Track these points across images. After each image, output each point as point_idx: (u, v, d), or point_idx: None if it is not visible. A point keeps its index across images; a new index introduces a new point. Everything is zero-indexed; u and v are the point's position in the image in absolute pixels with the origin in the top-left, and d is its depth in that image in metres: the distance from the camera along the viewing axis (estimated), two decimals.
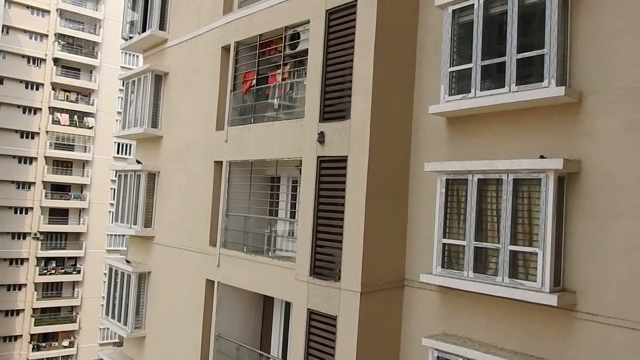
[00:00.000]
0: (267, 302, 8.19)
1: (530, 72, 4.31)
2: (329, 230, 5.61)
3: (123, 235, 30.43)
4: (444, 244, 4.90)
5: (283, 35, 7.39)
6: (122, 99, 14.22)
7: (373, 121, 5.31)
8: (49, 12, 29.95)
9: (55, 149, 29.80)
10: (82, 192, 30.47)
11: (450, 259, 4.86)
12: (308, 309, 5.46)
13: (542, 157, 4.28)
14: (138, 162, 10.37)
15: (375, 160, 5.32)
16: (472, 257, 4.59)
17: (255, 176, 8.04)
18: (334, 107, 5.84)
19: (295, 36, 7.33)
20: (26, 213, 28.79)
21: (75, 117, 30.96)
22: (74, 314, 29.33)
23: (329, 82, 5.89)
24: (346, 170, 5.49)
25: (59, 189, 29.79)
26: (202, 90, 9.22)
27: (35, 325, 28.08)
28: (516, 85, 4.41)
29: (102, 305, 15.37)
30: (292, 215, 7.83)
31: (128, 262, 10.20)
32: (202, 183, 8.79)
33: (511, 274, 4.30)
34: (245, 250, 7.71)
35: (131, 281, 9.73)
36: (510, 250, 4.34)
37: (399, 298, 5.36)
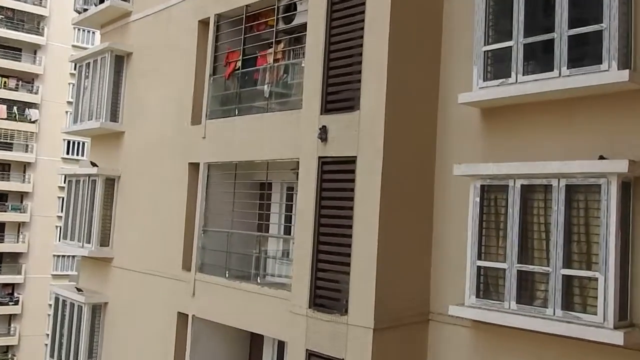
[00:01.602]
0: (255, 341, 8.10)
1: (585, 53, 4.27)
2: (334, 250, 5.63)
3: (73, 257, 29.01)
4: (479, 268, 4.88)
5: (275, 6, 7.44)
6: (73, 85, 14.35)
7: (389, 113, 5.34)
8: None
9: None
10: (22, 202, 29.71)
11: (488, 286, 4.84)
12: (307, 350, 5.42)
13: (601, 157, 4.21)
14: (93, 164, 10.34)
15: (391, 161, 5.36)
16: (515, 284, 4.55)
17: (241, 182, 8.01)
18: (339, 95, 5.90)
19: (291, 7, 7.36)
20: None
21: (15, 108, 30.10)
22: (10, 355, 28.29)
23: (332, 63, 5.95)
24: (355, 174, 5.52)
25: None
26: (174, 75, 9.20)
27: None
28: (568, 68, 4.39)
29: (46, 344, 15.08)
30: (287, 231, 7.83)
31: (79, 290, 10.09)
32: (173, 191, 8.77)
33: (565, 305, 4.24)
34: (227, 275, 7.67)
35: (83, 314, 9.61)
36: (563, 275, 4.28)
37: (422, 336, 5.32)
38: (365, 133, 5.49)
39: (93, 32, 33.05)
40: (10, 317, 29.96)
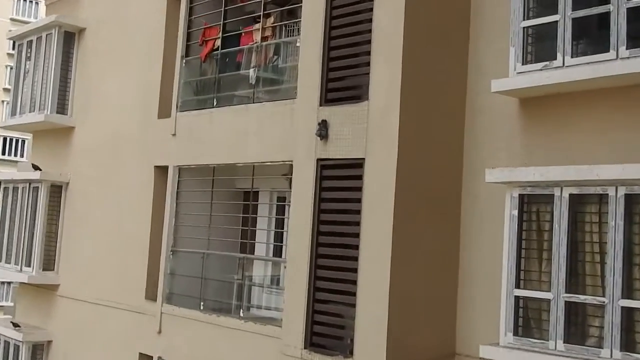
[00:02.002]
0: None
1: None
2: (336, 276, 5.71)
3: (9, 283, 29.46)
4: (517, 298, 4.85)
5: None
6: (12, 69, 14.40)
7: (405, 104, 5.44)
8: None
9: None
10: None
11: (528, 321, 4.82)
12: None
13: None
14: (35, 167, 10.27)
15: (408, 165, 5.44)
16: (562, 319, 4.51)
17: (220, 190, 8.06)
18: (343, 82, 6.01)
19: None
20: None
21: None
22: None
23: (334, 42, 6.05)
24: (362, 181, 5.63)
25: None
26: (137, 57, 9.22)
27: None
28: (627, 48, 4.40)
29: None
30: (277, 252, 7.86)
31: (16, 325, 10.03)
32: (135, 201, 8.79)
33: (625, 344, 4.20)
34: (202, 307, 7.68)
35: (21, 356, 9.52)
36: (622, 307, 4.23)
37: None
38: (376, 129, 5.59)
39: (37, 3, 33.21)
40: None
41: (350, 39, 5.92)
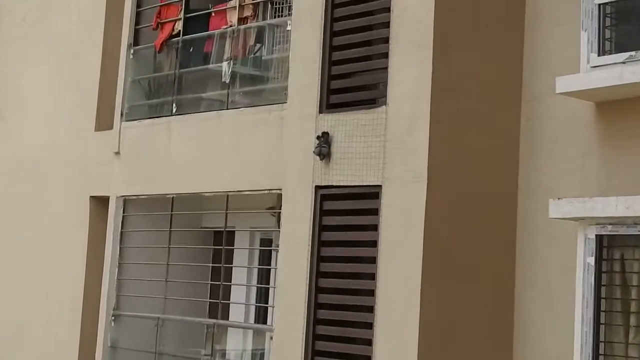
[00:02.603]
0: None
1: None
2: (342, 349, 5.77)
3: None
4: None
5: None
6: None
7: (437, 110, 5.55)
8: None
9: None
10: None
11: None
12: None
13: None
14: None
15: (441, 193, 5.54)
16: None
17: (182, 231, 8.19)
18: (352, 80, 6.18)
19: None
20: None
21: None
22: None
23: (339, 25, 6.20)
24: (379, 216, 5.73)
25: None
26: (67, 46, 9.34)
27: None
28: None
29: None
30: (261, 316, 7.94)
31: None
32: (63, 244, 8.87)
33: None
34: None
35: None
36: None
37: None
38: (398, 145, 5.69)
39: None
40: None
41: (361, 21, 6.02)
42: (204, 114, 7.83)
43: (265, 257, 8.10)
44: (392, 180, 5.70)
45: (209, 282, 8.03)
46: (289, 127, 6.49)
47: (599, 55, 5.25)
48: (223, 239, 7.69)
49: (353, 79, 6.15)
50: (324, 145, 6.07)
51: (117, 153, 8.44)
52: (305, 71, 6.36)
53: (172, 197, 7.99)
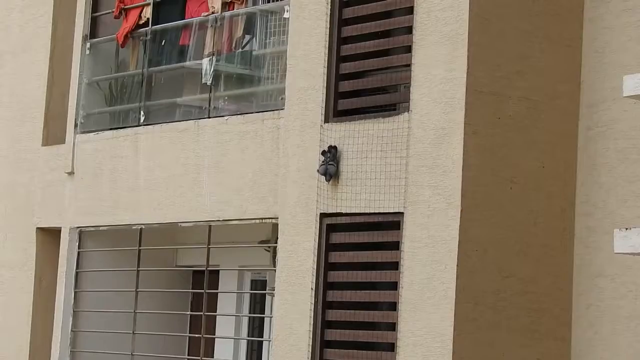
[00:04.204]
0: None
1: None
2: None
3: None
4: None
5: None
6: None
7: (474, 117, 5.56)
8: None
9: None
10: None
11: None
12: None
13: None
14: None
15: (479, 224, 5.56)
16: None
17: (152, 270, 8.24)
18: (366, 81, 6.20)
19: None
20: None
21: None
22: None
23: (351, 11, 6.20)
24: (400, 251, 5.75)
25: None
26: (6, 40, 9.35)
27: None
28: None
29: None
30: None
31: None
32: (3, 287, 8.86)
33: None
34: None
35: None
36: None
37: None
38: (424, 162, 5.72)
39: None
40: None
41: (377, 6, 6.04)
42: (180, 124, 7.77)
43: (258, 303, 8.01)
44: (417, 206, 5.70)
45: (187, 334, 7.95)
46: (287, 139, 6.44)
47: None
48: (205, 281, 7.62)
49: (367, 79, 6.15)
50: (331, 163, 6.04)
51: (71, 173, 8.35)
52: (307, 70, 6.34)
53: (140, 229, 7.92)
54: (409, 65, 5.83)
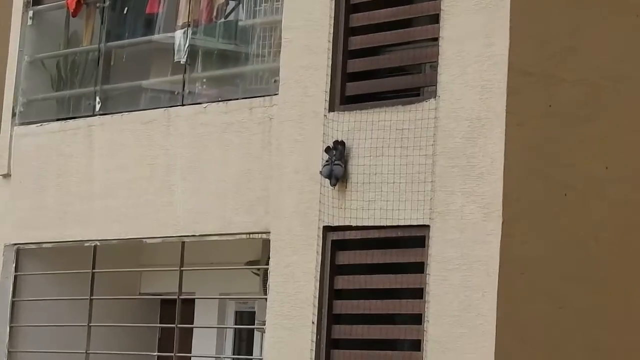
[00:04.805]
0: None
1: None
2: None
3: None
4: None
5: None
6: None
7: (517, 107, 5.61)
8: None
9: None
10: None
11: None
12: None
13: None
14: None
15: (526, 239, 5.60)
16: None
17: (110, 299, 8.30)
18: (380, 60, 6.29)
19: None
20: None
21: None
22: None
23: None
24: (424, 275, 5.81)
25: None
26: None
27: None
28: None
29: None
30: None
31: None
32: None
33: None
34: None
35: None
36: None
37: None
38: (455, 161, 5.81)
39: None
40: None
41: None
42: (146, 114, 7.81)
43: (244, 341, 8.05)
44: (446, 217, 5.79)
45: None
46: (282, 133, 6.50)
47: None
48: (177, 312, 7.64)
49: (383, 57, 6.20)
50: (337, 163, 6.09)
51: (6, 176, 8.43)
52: (307, 45, 6.42)
53: (94, 246, 7.97)
54: (436, 39, 5.92)
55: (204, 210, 7.24)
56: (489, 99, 5.62)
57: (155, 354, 8.13)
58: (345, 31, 6.29)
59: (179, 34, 7.75)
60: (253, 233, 6.86)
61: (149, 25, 8.19)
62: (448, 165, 5.76)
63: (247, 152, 7.00)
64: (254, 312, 7.73)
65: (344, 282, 6.22)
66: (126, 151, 7.79)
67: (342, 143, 6.13)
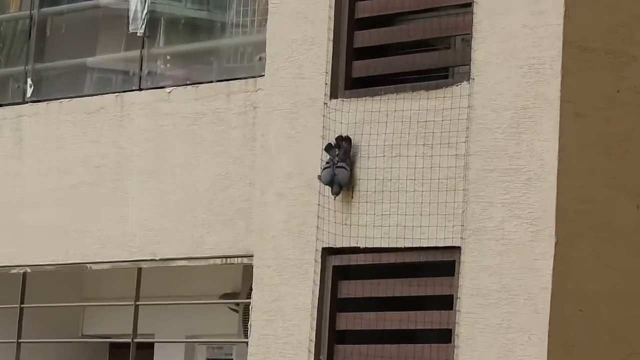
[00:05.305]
0: None
1: None
2: None
3: None
4: None
5: None
6: None
7: (575, 93, 5.64)
8: None
9: None
10: None
11: None
12: None
13: None
14: None
15: (584, 264, 5.63)
16: None
17: (44, 342, 8.34)
18: (395, 32, 6.31)
19: None
20: None
21: None
22: None
23: None
24: (454, 313, 5.85)
25: None
26: None
27: None
28: None
29: None
30: None
31: None
32: None
33: None
34: None
35: None
36: None
37: None
38: (494, 162, 5.84)
39: None
40: None
41: None
42: (92, 101, 7.82)
43: None
44: (482, 236, 5.81)
45: None
46: (269, 126, 6.47)
47: None
48: (130, 358, 7.71)
49: (401, 27, 6.21)
50: (342, 165, 6.07)
51: None
52: (302, 11, 6.41)
53: (24, 273, 7.99)
54: (469, 5, 5.87)
55: (167, 227, 7.24)
56: (538, 83, 5.58)
57: None
58: None
59: (133, 3, 7.79)
60: (230, 257, 6.85)
61: None
62: (485, 168, 5.72)
63: (224, 150, 6.99)
64: (232, 359, 7.74)
65: (348, 321, 6.21)
66: (66, 149, 7.80)
67: (348, 139, 6.12)
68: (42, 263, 7.87)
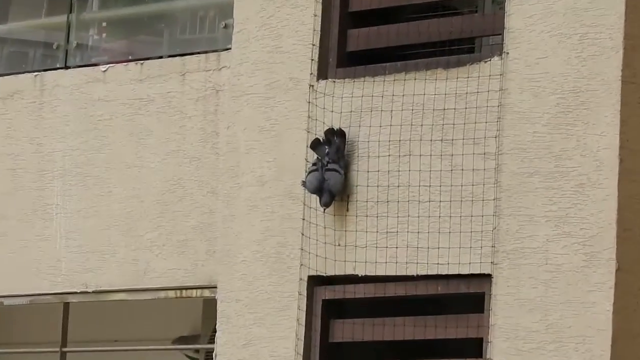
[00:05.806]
0: None
1: None
2: None
3: None
4: None
5: None
6: None
7: (638, 74, 5.73)
8: None
9: None
10: None
11: None
12: None
13: None
14: None
15: None
16: None
17: None
18: None
19: None
20: None
21: None
22: None
23: None
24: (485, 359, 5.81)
25: None
26: None
27: None
28: None
29: None
30: None
31: None
32: None
33: None
34: None
35: None
36: None
37: None
38: (533, 165, 5.86)
39: None
40: None
41: None
42: (2, 82, 7.85)
43: None
44: (519, 260, 5.70)
45: None
46: (238, 116, 6.40)
47: None
48: None
49: None
50: (333, 167, 5.99)
51: None
52: None
53: None
54: None
55: (103, 249, 7.21)
56: (593, 59, 5.53)
57: None
58: None
59: None
60: (187, 288, 6.84)
61: None
62: (523, 171, 5.67)
63: (177, 148, 6.98)
64: None
65: None
66: None
67: (341, 134, 6.05)
68: None
